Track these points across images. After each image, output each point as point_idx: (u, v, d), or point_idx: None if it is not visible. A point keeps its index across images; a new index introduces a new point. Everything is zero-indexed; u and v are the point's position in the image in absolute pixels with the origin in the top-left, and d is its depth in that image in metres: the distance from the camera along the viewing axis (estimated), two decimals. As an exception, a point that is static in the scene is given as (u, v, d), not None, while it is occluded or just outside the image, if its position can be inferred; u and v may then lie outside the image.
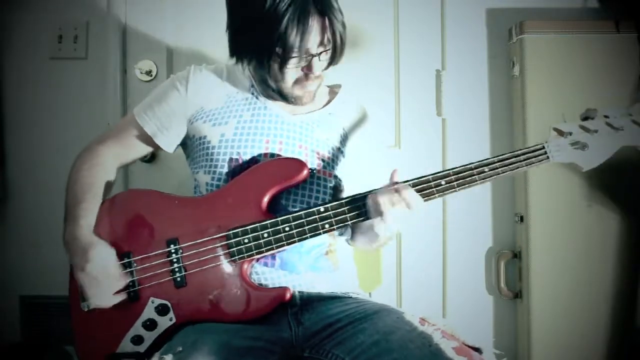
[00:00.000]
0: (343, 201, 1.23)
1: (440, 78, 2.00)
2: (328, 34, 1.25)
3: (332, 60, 1.30)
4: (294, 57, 1.24)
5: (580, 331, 1.85)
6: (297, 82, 1.31)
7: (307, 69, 1.28)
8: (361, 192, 1.24)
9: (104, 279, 1.21)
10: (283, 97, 1.35)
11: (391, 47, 2.02)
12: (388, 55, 2.02)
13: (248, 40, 1.27)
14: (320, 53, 1.26)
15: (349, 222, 1.23)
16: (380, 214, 1.18)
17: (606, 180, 1.83)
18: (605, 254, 1.84)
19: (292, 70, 1.28)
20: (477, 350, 1.13)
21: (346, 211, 1.23)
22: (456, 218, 2.00)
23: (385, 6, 2.01)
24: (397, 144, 2.01)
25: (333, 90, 1.49)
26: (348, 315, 1.21)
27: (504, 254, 1.98)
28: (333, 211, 1.23)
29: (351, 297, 1.33)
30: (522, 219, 1.91)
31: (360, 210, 1.23)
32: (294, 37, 1.21)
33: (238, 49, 1.32)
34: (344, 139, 1.42)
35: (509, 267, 1.98)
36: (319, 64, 1.28)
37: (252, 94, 1.40)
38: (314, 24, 1.23)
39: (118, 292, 1.23)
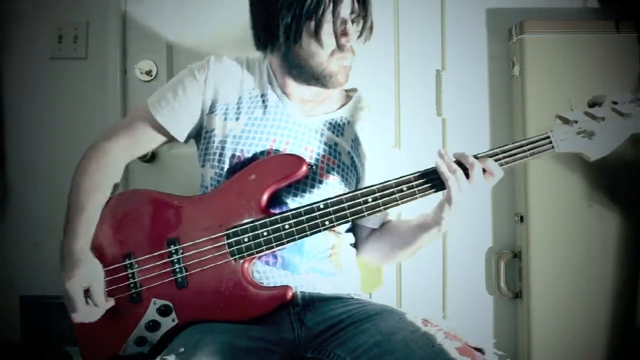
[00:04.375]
0: (343, 197, 1.22)
1: (440, 78, 2.00)
2: (358, 4, 1.27)
3: (363, 30, 1.30)
4: (327, 21, 1.24)
5: (580, 331, 1.85)
6: (332, 54, 1.28)
7: (343, 35, 1.26)
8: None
9: (81, 301, 1.18)
10: (317, 77, 1.31)
11: (391, 47, 2.02)
12: (388, 55, 2.02)
13: (275, 17, 1.26)
14: (354, 19, 1.27)
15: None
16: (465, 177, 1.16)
17: (606, 180, 1.84)
18: (605, 254, 1.85)
19: (328, 38, 1.26)
20: (480, 350, 1.13)
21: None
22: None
23: (385, 6, 2.00)
24: (397, 144, 2.01)
25: (348, 95, 1.47)
26: (350, 316, 1.21)
27: (504, 254, 1.98)
28: (333, 207, 1.22)
29: (353, 298, 1.33)
30: (522, 219, 1.91)
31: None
32: (326, 3, 1.22)
33: (265, 32, 1.30)
34: (356, 144, 1.40)
35: (509, 267, 1.98)
36: (353, 31, 1.27)
37: (268, 90, 1.38)
38: None
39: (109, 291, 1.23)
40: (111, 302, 1.23)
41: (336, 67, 1.30)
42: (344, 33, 1.26)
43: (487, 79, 2.02)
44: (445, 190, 1.19)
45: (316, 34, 1.24)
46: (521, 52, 1.87)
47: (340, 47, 1.27)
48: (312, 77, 1.31)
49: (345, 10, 1.25)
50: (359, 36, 1.30)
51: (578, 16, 1.97)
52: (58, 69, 2.02)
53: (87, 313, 1.20)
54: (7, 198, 2.04)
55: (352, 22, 1.27)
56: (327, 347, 1.17)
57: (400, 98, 2.02)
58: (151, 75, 1.99)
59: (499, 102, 2.01)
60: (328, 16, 1.23)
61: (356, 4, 1.26)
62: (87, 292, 1.20)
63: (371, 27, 1.32)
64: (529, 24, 1.87)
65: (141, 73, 1.99)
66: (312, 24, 1.24)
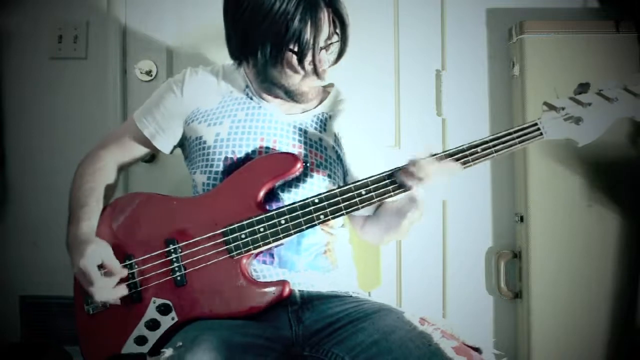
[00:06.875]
0: (337, 191, 1.24)
1: (440, 78, 2.00)
2: (334, 27, 1.26)
3: (341, 54, 1.31)
4: (308, 52, 1.24)
5: (580, 331, 1.85)
6: (305, 77, 1.31)
7: (317, 63, 1.26)
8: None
9: (96, 274, 1.19)
10: (289, 94, 1.35)
11: (391, 47, 2.02)
12: (388, 55, 2.02)
13: (255, 42, 1.25)
14: (329, 45, 1.27)
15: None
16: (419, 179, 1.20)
17: (606, 181, 1.83)
18: (605, 254, 1.84)
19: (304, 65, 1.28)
20: (477, 350, 1.12)
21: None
22: (456, 218, 2.00)
23: (385, 6, 2.01)
24: (397, 144, 2.01)
25: (326, 90, 1.49)
26: (348, 315, 1.22)
27: (504, 254, 1.98)
28: (327, 202, 1.24)
29: (351, 297, 1.33)
30: (522, 219, 1.91)
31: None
32: (308, 34, 1.22)
33: (243, 52, 1.31)
34: (338, 138, 1.42)
35: (509, 267, 1.98)
36: (326, 57, 1.29)
37: (247, 94, 1.42)
38: (324, 18, 1.24)
39: (118, 284, 1.23)
40: (125, 271, 1.24)
41: (307, 88, 1.34)
42: (320, 61, 1.26)
43: (487, 79, 2.02)
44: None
45: (297, 62, 1.26)
46: (521, 52, 1.87)
47: (314, 72, 1.29)
48: (284, 93, 1.35)
49: (322, 36, 1.25)
50: (337, 59, 1.32)
51: (578, 16, 1.97)
52: (58, 69, 2.03)
53: (103, 287, 1.20)
54: (7, 198, 2.05)
55: (328, 46, 1.27)
56: (324, 345, 1.17)
57: (400, 98, 2.02)
58: (151, 75, 2.00)
59: (499, 102, 2.01)
60: (309, 46, 1.23)
61: (331, 29, 1.26)
62: (100, 267, 1.21)
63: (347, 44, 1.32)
64: (529, 24, 1.87)
65: (141, 73, 2.00)
66: (292, 54, 1.25)
